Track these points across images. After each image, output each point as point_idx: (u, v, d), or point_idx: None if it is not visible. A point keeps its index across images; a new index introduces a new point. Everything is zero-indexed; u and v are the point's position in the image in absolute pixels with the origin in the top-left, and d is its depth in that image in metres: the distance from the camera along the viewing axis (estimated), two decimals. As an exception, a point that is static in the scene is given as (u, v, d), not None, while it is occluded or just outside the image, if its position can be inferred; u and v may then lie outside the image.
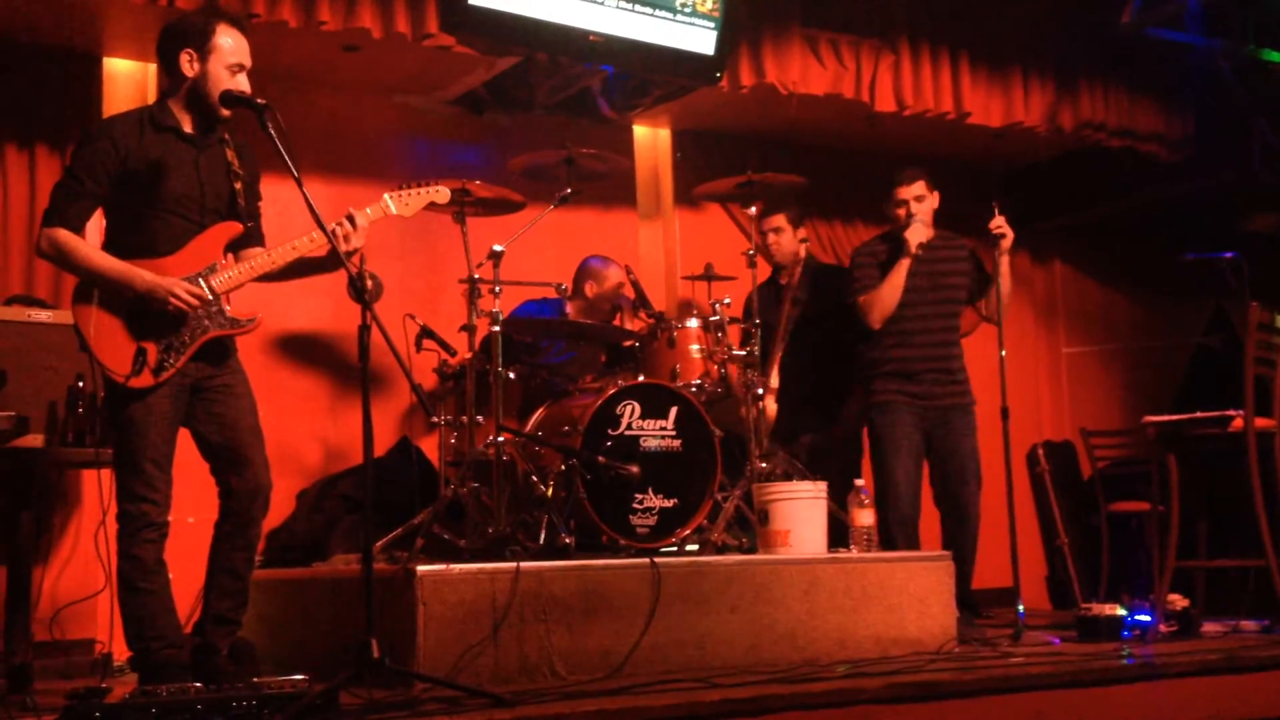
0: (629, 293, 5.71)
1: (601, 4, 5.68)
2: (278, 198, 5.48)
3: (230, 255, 3.92)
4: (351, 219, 3.88)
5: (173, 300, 3.69)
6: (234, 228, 3.89)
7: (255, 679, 3.45)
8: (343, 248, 3.82)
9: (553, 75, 6.19)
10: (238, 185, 3.90)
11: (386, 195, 4.12)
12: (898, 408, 5.37)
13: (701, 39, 5.95)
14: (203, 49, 3.79)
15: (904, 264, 5.35)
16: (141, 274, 3.69)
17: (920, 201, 5.43)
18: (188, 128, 3.85)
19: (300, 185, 3.60)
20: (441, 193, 4.30)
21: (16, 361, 4.43)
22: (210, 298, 3.79)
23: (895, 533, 5.25)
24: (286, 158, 3.61)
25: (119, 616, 3.81)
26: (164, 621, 3.75)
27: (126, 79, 5.74)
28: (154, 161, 3.77)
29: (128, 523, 3.72)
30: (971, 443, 5.40)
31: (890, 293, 5.37)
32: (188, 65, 3.81)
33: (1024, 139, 7.12)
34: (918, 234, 5.36)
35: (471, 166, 6.18)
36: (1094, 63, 7.12)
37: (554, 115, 6.49)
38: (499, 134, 6.50)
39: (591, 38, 5.66)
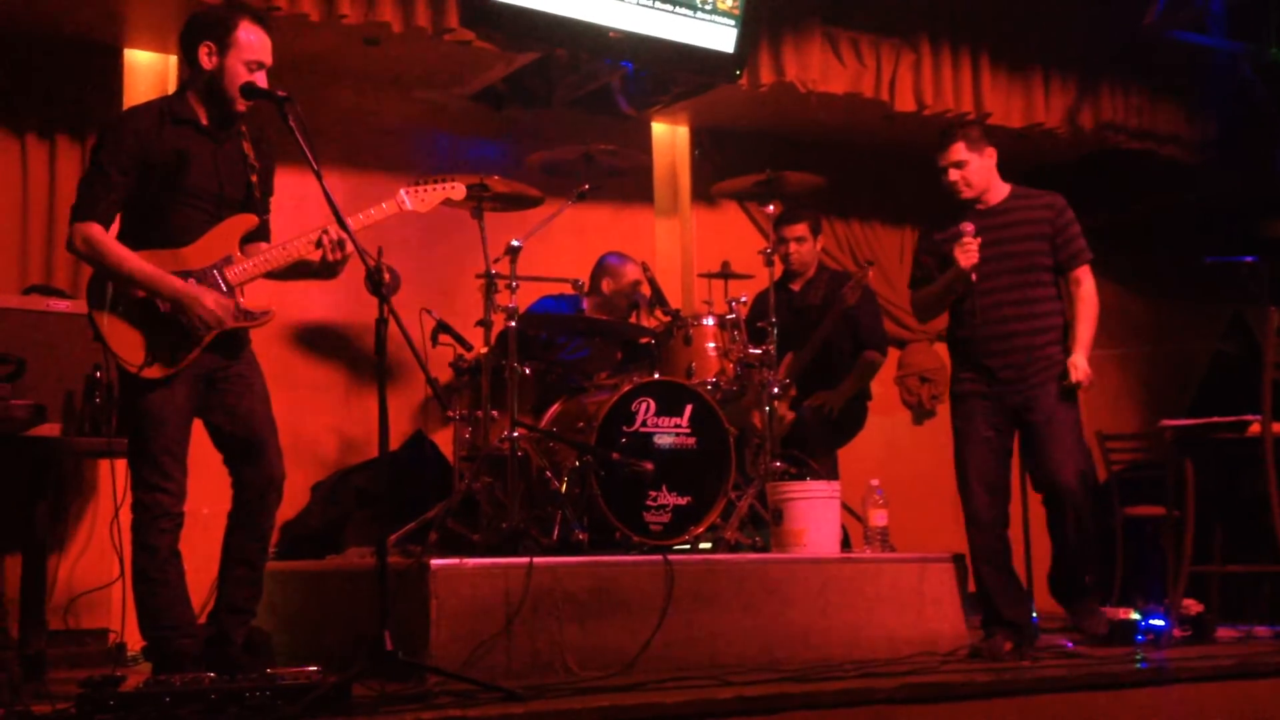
0: (646, 290, 5.71)
1: (622, 0, 5.67)
2: (296, 191, 5.50)
3: (245, 247, 3.93)
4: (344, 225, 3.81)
5: (200, 318, 3.70)
6: (250, 220, 3.88)
7: (269, 669, 3.45)
8: (331, 256, 3.82)
9: (572, 71, 6.20)
10: (254, 178, 3.90)
11: (403, 190, 4.11)
12: (971, 399, 4.75)
13: (722, 36, 5.94)
14: (223, 42, 3.78)
15: (946, 279, 4.74)
16: (171, 282, 3.69)
17: (961, 169, 4.73)
18: (205, 121, 3.84)
19: (319, 178, 3.60)
20: (457, 189, 4.30)
21: (35, 351, 4.45)
22: (225, 289, 3.79)
23: (970, 534, 4.72)
24: (306, 150, 3.61)
25: (133, 606, 3.82)
26: (178, 612, 3.76)
27: (147, 70, 5.76)
28: (173, 153, 3.76)
29: (143, 513, 3.73)
30: (1065, 415, 4.65)
31: (929, 301, 4.87)
32: (206, 58, 3.79)
33: (1044, 140, 7.10)
34: (968, 255, 4.64)
35: (490, 161, 6.18)
36: (1115, 65, 7.09)
37: (573, 111, 6.49)
38: (518, 129, 6.50)
39: (611, 34, 5.66)
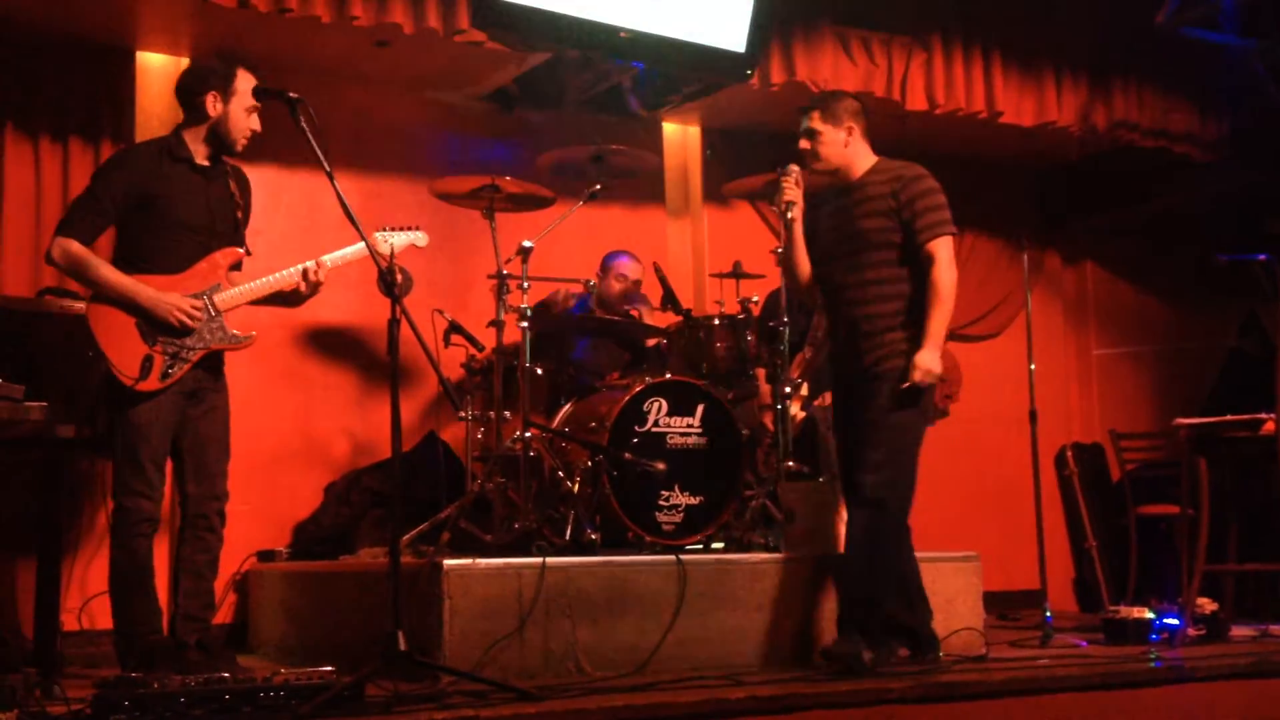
0: (649, 289, 5.70)
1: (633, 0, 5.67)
2: (308, 192, 5.53)
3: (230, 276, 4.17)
4: (319, 264, 4.19)
5: (175, 316, 3.96)
6: (236, 253, 4.17)
7: (230, 665, 3.69)
8: (305, 290, 4.17)
9: (583, 72, 6.19)
10: (239, 214, 4.20)
11: (377, 233, 4.41)
12: (834, 390, 4.56)
13: (733, 36, 5.93)
14: (226, 91, 4.10)
15: (786, 234, 4.46)
16: (145, 290, 3.97)
17: (811, 139, 4.40)
18: (201, 160, 4.15)
19: (331, 178, 3.69)
20: (420, 237, 4.60)
21: (49, 352, 4.46)
22: (214, 313, 4.06)
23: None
24: (318, 151, 3.71)
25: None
26: (149, 610, 4.00)
27: (159, 72, 5.76)
28: (168, 189, 4.07)
29: (125, 517, 3.98)
30: (869, 417, 4.19)
31: (783, 266, 4.58)
32: (212, 106, 4.10)
33: (1057, 139, 7.08)
34: (787, 192, 4.39)
35: (501, 162, 6.18)
36: (1128, 62, 7.06)
37: (584, 112, 6.49)
38: (529, 130, 6.50)
39: (622, 34, 5.65)
